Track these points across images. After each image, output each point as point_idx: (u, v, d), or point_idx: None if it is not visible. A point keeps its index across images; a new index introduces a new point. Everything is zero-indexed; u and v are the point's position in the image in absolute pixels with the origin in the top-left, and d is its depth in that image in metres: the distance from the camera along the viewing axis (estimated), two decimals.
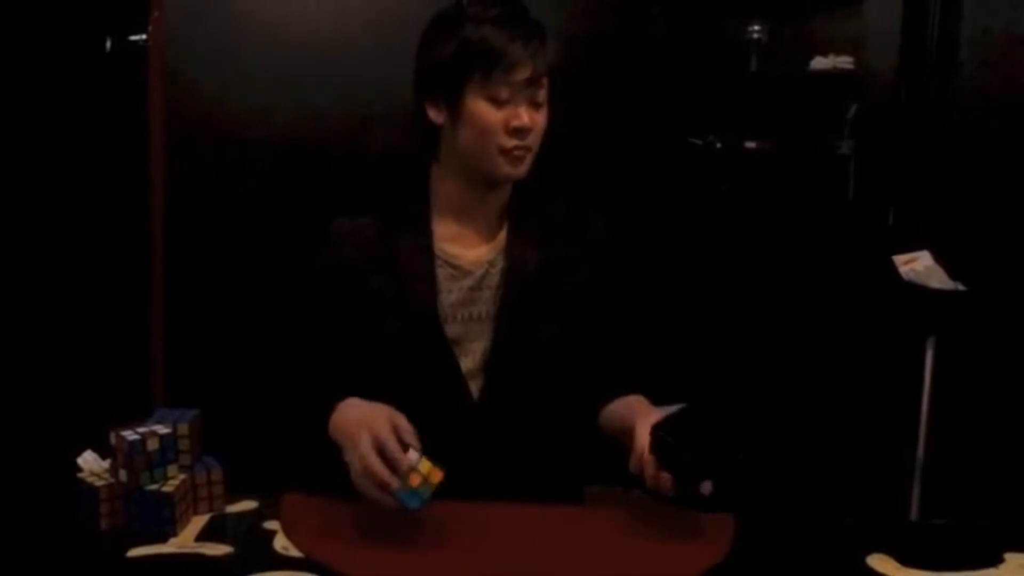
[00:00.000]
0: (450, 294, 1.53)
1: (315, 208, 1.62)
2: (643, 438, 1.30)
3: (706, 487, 1.25)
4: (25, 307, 2.79)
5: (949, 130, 2.94)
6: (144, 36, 2.89)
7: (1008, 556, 1.29)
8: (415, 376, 1.53)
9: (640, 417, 1.36)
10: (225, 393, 2.36)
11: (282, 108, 2.95)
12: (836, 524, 1.42)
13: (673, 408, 1.30)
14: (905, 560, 1.27)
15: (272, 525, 1.35)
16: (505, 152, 1.47)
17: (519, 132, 1.46)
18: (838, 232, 3.02)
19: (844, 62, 3.04)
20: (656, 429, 1.27)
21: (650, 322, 1.68)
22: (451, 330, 1.53)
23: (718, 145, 3.11)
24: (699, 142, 3.11)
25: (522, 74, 1.44)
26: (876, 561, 1.27)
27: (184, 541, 1.30)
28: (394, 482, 1.23)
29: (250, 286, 2.93)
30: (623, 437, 1.42)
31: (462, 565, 1.24)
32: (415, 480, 1.22)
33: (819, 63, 3.06)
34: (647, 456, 1.29)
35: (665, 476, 1.27)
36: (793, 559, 1.30)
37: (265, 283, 2.86)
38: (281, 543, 1.30)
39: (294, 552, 1.27)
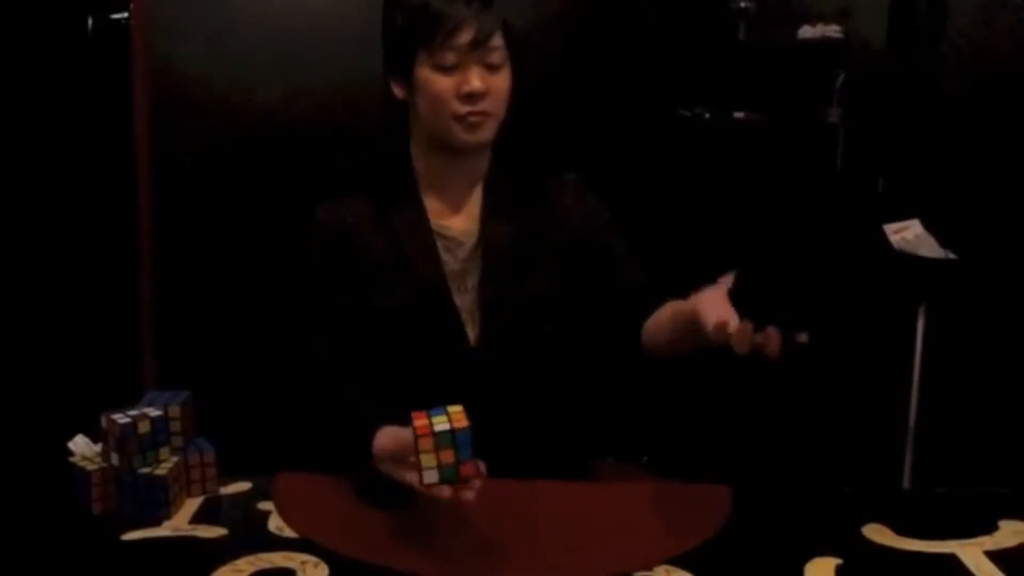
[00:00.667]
0: (445, 265, 1.53)
1: (305, 187, 1.60)
2: (722, 305, 1.20)
3: (802, 337, 1.20)
4: (12, 291, 2.77)
5: (938, 98, 2.93)
6: (126, 15, 2.86)
7: (1002, 523, 1.29)
8: (420, 347, 1.52)
9: (700, 297, 1.26)
10: (215, 376, 2.35)
11: (268, 86, 2.93)
12: (832, 494, 1.42)
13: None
14: (901, 529, 1.27)
15: (266, 506, 1.35)
16: (459, 119, 1.46)
17: (471, 97, 1.44)
18: (828, 201, 3.01)
19: (832, 31, 3.03)
20: (739, 290, 1.21)
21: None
22: (457, 300, 1.53)
23: (706, 116, 3.09)
24: (688, 113, 3.10)
25: (465, 37, 1.42)
26: (872, 531, 1.27)
27: (178, 524, 1.30)
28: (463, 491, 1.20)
29: (240, 268, 2.91)
30: (680, 325, 1.35)
31: (459, 542, 1.24)
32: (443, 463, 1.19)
33: (807, 32, 3.05)
34: (738, 321, 1.18)
35: (771, 333, 1.18)
36: (789, 530, 1.30)
37: (255, 264, 2.85)
38: (275, 524, 1.30)
39: (289, 532, 1.27)
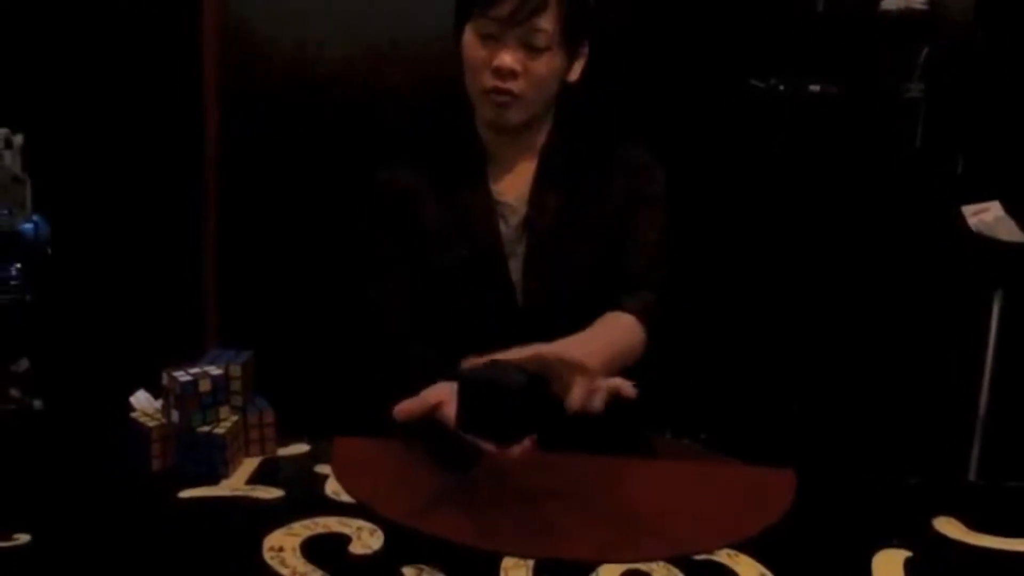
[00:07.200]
0: (501, 230, 1.52)
1: (370, 148, 1.60)
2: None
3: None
4: (80, 247, 2.80)
5: None
6: None
7: None
8: (472, 307, 1.52)
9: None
10: (278, 335, 2.36)
11: (336, 43, 2.92)
12: (899, 483, 1.37)
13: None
14: (972, 523, 1.23)
15: (323, 469, 1.34)
16: (487, 93, 1.44)
17: (499, 73, 1.41)
18: (905, 180, 2.93)
19: (917, 2, 2.94)
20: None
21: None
22: (511, 265, 1.52)
23: (781, 88, 3.02)
24: (762, 85, 3.03)
25: (505, 8, 1.38)
26: (943, 524, 1.23)
27: (235, 483, 1.30)
28: None
29: (304, 225, 2.92)
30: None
31: (514, 515, 1.22)
32: None
33: (890, 3, 2.96)
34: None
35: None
36: (855, 518, 1.26)
37: (319, 222, 2.86)
38: (332, 488, 1.29)
39: (345, 497, 1.26)
